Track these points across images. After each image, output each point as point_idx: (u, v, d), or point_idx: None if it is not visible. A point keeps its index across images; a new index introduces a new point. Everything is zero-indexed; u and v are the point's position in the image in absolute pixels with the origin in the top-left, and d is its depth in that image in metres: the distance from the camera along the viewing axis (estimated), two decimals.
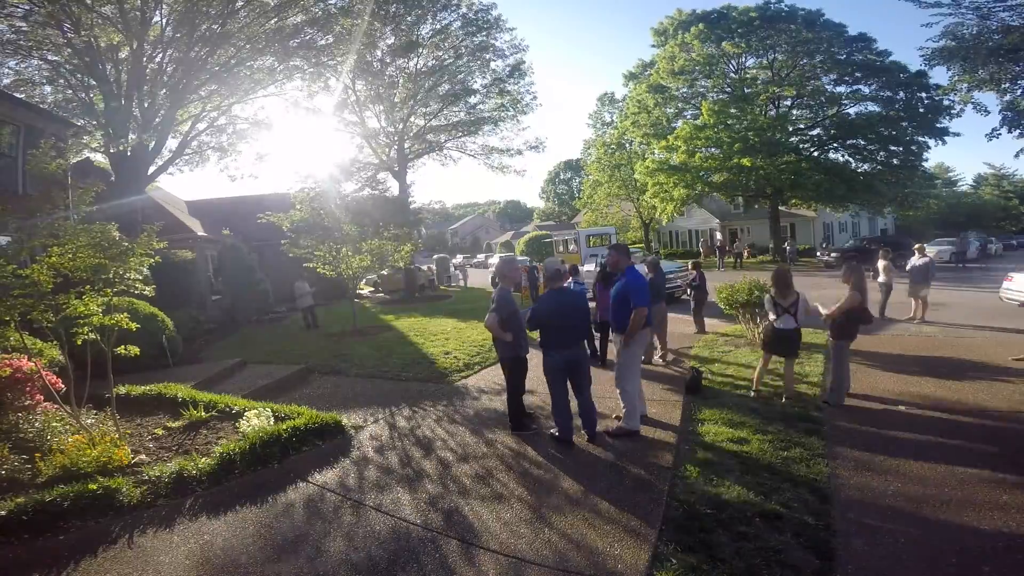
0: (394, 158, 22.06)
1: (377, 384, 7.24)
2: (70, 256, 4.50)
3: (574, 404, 4.72)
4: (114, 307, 4.80)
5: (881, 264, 10.08)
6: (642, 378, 6.58)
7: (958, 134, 28.01)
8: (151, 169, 13.79)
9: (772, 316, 5.43)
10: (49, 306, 4.45)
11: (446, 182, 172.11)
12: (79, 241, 4.54)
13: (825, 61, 25.96)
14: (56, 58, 12.57)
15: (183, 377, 7.13)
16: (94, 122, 12.68)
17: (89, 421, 4.89)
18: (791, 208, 30.34)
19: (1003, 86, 19.79)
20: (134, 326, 4.96)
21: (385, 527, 3.42)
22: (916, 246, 10.34)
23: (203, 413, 5.40)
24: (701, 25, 27.29)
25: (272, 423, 4.92)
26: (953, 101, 23.54)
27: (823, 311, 5.31)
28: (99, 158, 15.11)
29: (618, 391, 4.92)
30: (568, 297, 4.81)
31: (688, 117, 29.77)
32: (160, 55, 13.16)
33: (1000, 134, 20.59)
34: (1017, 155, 23.00)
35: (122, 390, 5.96)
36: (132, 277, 4.88)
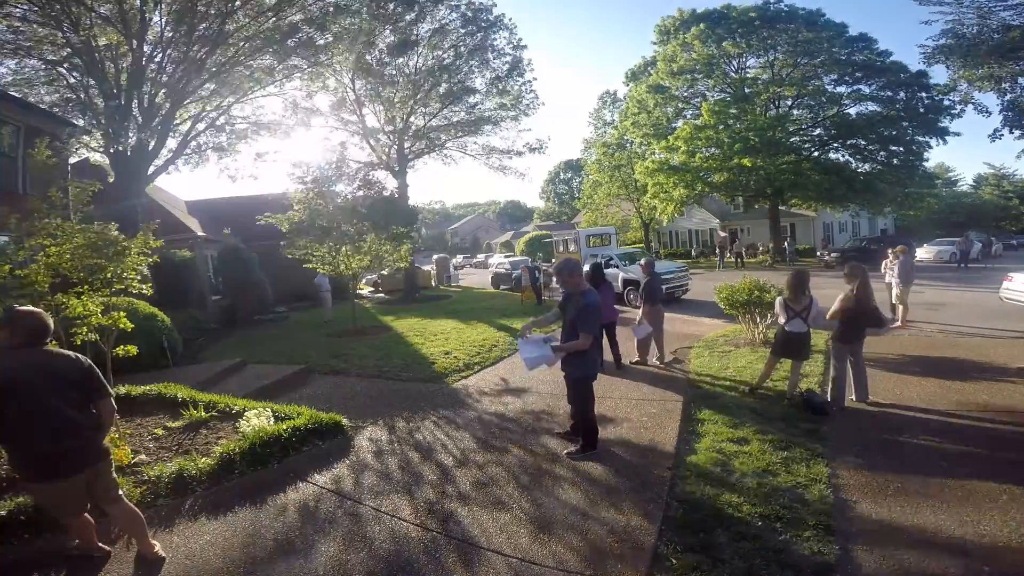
0: (394, 158, 22.06)
1: (377, 384, 7.23)
2: (68, 256, 4.49)
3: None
4: (113, 307, 4.79)
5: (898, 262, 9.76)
6: (641, 380, 6.63)
7: (958, 134, 28.01)
8: (151, 169, 13.79)
9: (782, 319, 5.37)
10: (48, 306, 4.44)
11: (446, 182, 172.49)
12: (76, 241, 4.54)
13: (825, 61, 25.95)
14: (55, 58, 12.57)
15: (183, 377, 7.12)
16: (94, 122, 12.68)
17: None
18: (791, 208, 30.33)
19: (1003, 85, 19.84)
20: (133, 326, 4.95)
21: (385, 527, 3.42)
22: (898, 247, 9.84)
23: (203, 413, 5.39)
24: (702, 25, 27.28)
25: (272, 423, 4.92)
26: (953, 101, 23.59)
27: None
28: (99, 158, 15.10)
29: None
30: None
31: (688, 117, 29.78)
32: (159, 55, 13.15)
33: (1002, 135, 20.64)
34: (1019, 156, 23.06)
35: (122, 390, 5.95)
36: (130, 276, 4.87)
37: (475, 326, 11.44)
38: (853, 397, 5.28)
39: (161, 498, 3.81)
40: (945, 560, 2.80)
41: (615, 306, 7.88)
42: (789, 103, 27.83)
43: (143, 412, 5.67)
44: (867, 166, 26.70)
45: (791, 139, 26.79)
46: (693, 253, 35.32)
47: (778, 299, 5.55)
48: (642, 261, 8.17)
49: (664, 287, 9.59)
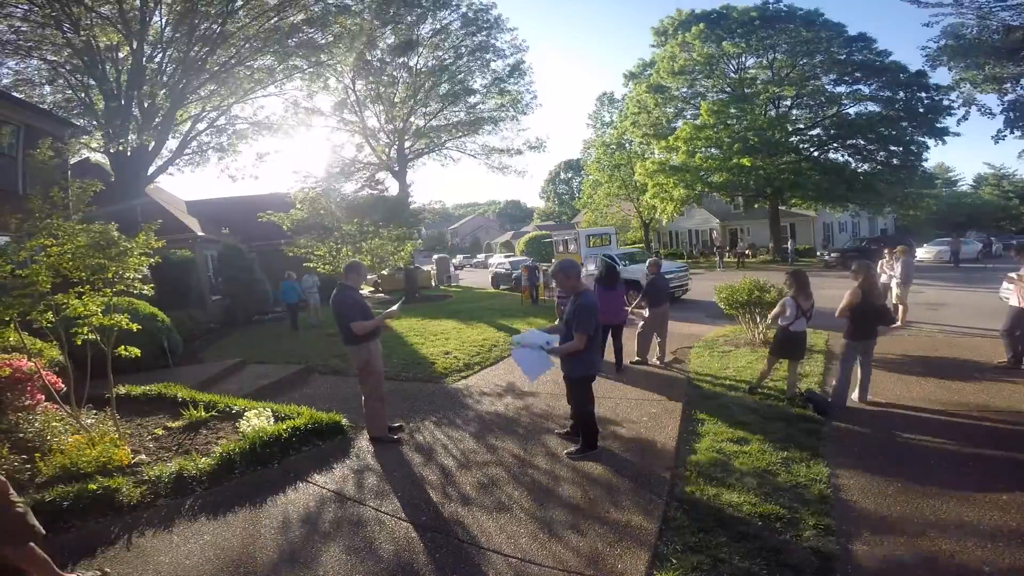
0: (394, 158, 22.08)
1: None
2: (69, 256, 4.49)
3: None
4: (114, 307, 4.79)
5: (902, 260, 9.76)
6: (641, 380, 6.63)
7: (958, 134, 27.97)
8: (151, 169, 13.79)
9: (791, 319, 5.33)
10: (49, 306, 4.44)
11: (446, 182, 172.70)
12: (78, 241, 4.53)
13: (825, 61, 26.00)
14: (56, 58, 12.57)
15: (183, 377, 7.12)
16: (94, 122, 12.67)
17: (89, 421, 4.88)
18: (791, 208, 30.34)
19: (1004, 86, 19.86)
20: (134, 326, 4.95)
21: (385, 528, 3.42)
22: (898, 248, 9.80)
23: (203, 413, 5.40)
24: (701, 25, 27.33)
25: (272, 423, 4.92)
26: (954, 101, 23.59)
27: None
28: (99, 158, 15.11)
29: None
30: None
31: (688, 117, 29.81)
32: (160, 55, 13.16)
33: (1005, 136, 20.65)
34: (1020, 155, 23.06)
35: (122, 390, 5.95)
36: (132, 277, 4.87)
37: (475, 326, 11.44)
38: (854, 396, 5.29)
39: (161, 498, 3.81)
40: (945, 560, 2.80)
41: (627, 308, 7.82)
42: (788, 103, 27.86)
43: (143, 412, 5.68)
44: (867, 166, 26.73)
45: (791, 139, 26.82)
46: (693, 253, 35.30)
47: (787, 298, 5.48)
48: (648, 262, 8.11)
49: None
